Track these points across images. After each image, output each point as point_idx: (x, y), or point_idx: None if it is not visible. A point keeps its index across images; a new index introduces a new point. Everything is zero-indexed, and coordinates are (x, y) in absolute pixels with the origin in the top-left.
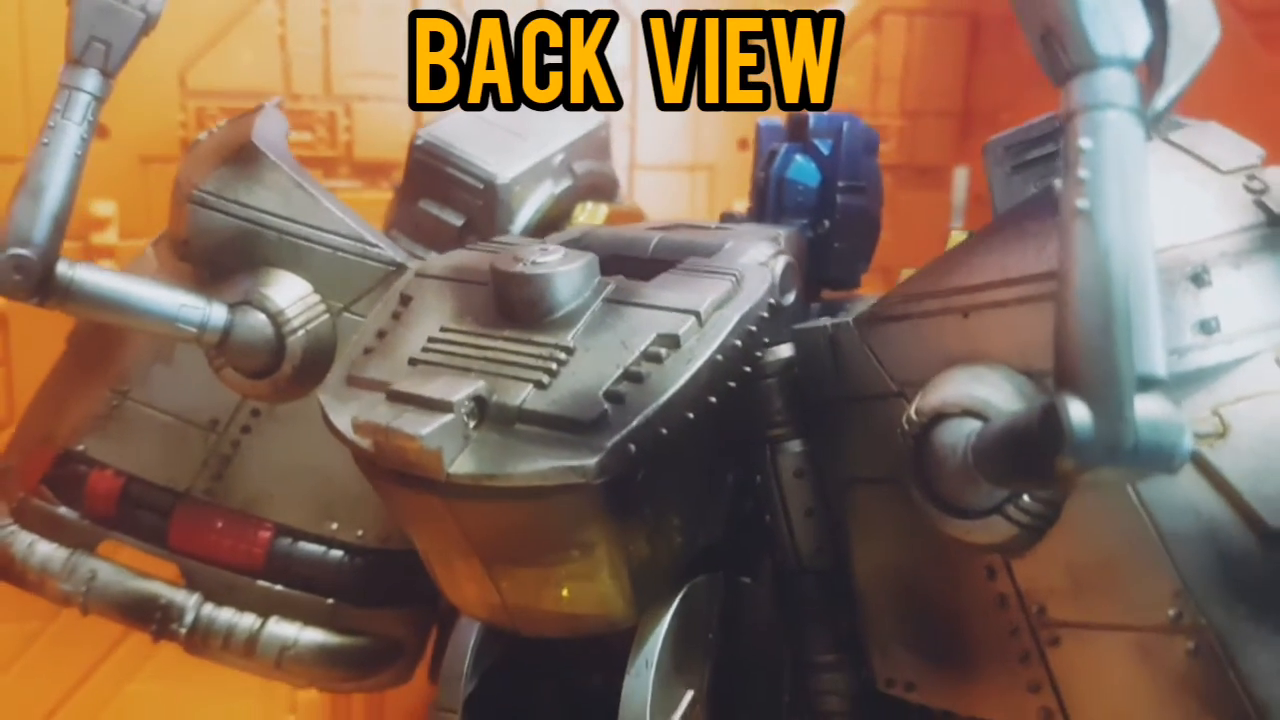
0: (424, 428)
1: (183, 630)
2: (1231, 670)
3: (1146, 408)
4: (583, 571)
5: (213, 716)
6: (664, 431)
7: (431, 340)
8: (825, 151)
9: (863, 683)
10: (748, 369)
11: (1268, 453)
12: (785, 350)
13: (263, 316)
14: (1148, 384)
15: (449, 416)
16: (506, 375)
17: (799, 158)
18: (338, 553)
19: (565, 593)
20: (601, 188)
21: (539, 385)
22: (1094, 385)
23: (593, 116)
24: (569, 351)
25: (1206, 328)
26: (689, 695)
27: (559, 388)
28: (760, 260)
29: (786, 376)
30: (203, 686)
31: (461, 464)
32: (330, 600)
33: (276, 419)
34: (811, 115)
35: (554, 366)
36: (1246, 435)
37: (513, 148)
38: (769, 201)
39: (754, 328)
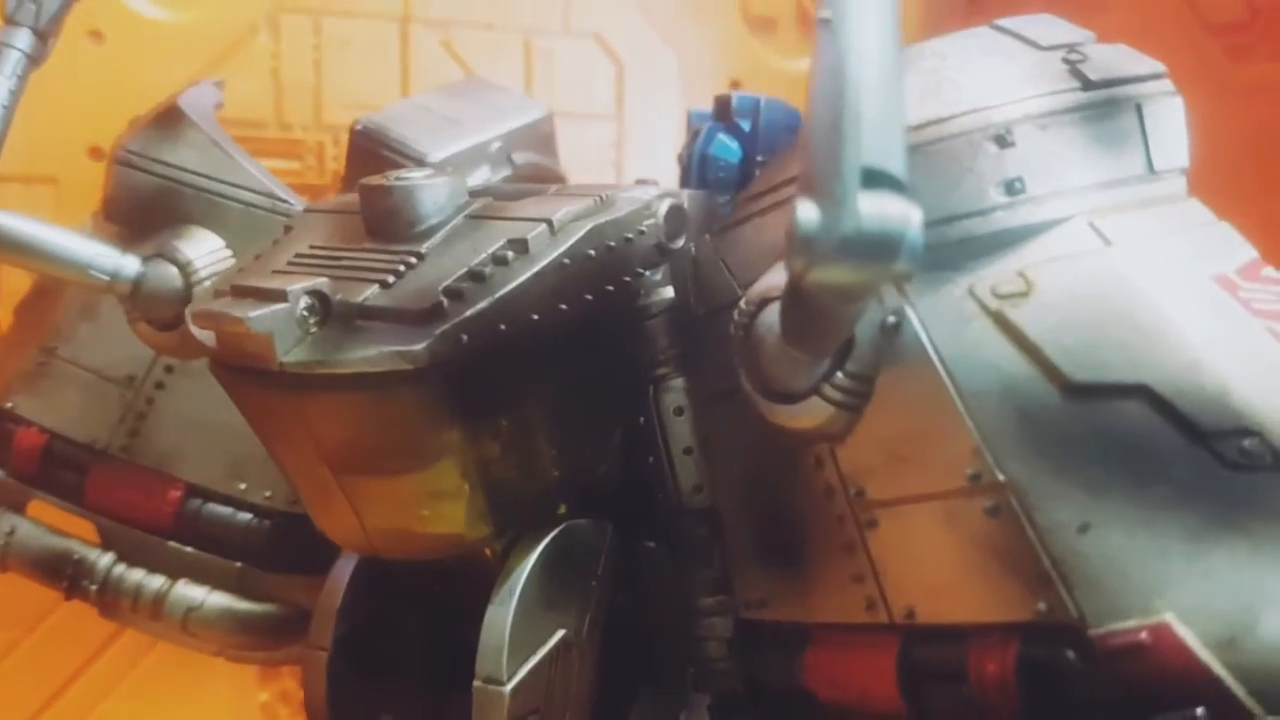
0: (254, 312)
1: (93, 588)
2: (1029, 526)
3: (871, 199)
4: (436, 485)
5: None
6: (502, 327)
7: (298, 255)
8: (746, 129)
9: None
10: (610, 288)
11: (1072, 308)
12: (668, 291)
13: (173, 268)
14: (878, 179)
15: (281, 305)
16: (354, 278)
17: (721, 135)
18: (246, 515)
19: (425, 512)
20: (545, 182)
21: (383, 285)
22: (820, 180)
23: (534, 107)
24: (420, 257)
25: (1011, 189)
26: (559, 634)
27: (402, 287)
28: (642, 196)
29: (670, 317)
30: (176, 706)
31: (294, 354)
32: (238, 564)
33: (188, 375)
34: (735, 95)
35: (401, 269)
36: (1050, 292)
37: (448, 132)
38: (692, 177)
39: (613, 244)
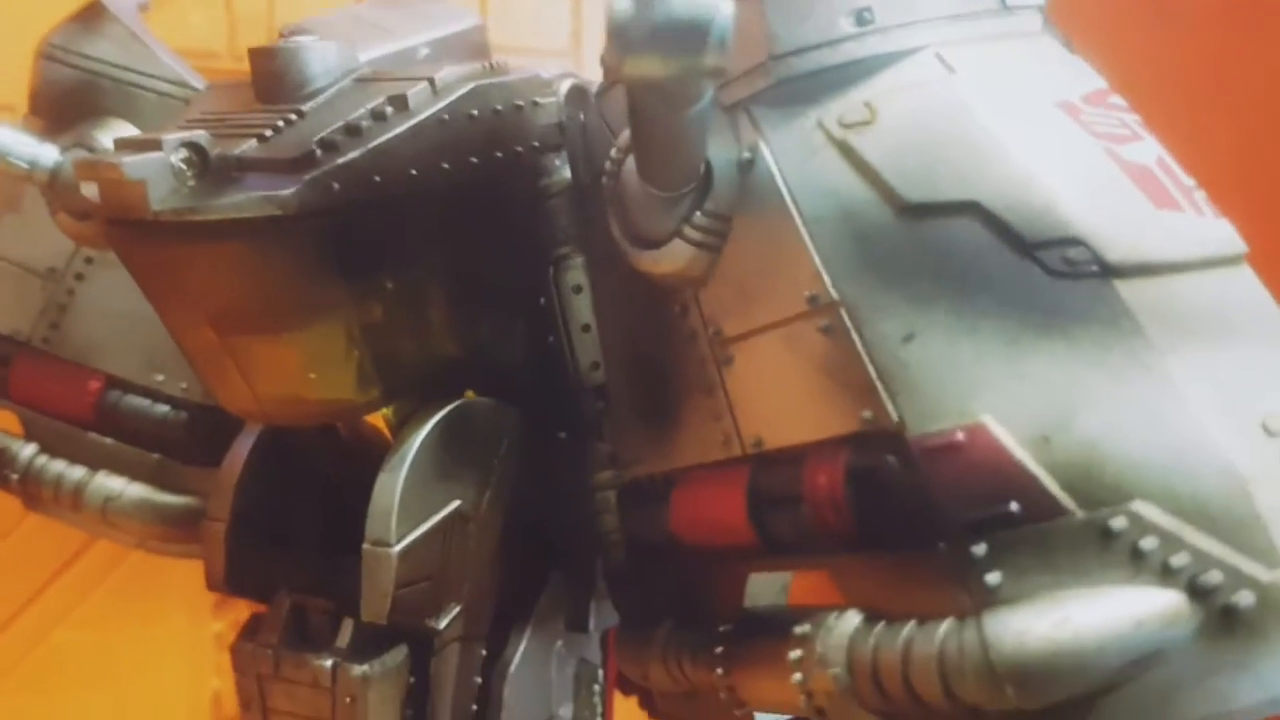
0: (128, 158)
1: (15, 477)
2: (858, 339)
3: None
4: (321, 347)
5: (137, 669)
6: (377, 179)
7: (186, 120)
8: None
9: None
10: (499, 154)
11: (910, 133)
12: (568, 172)
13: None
14: None
15: (156, 153)
16: (235, 135)
17: None
18: (163, 407)
19: (313, 376)
20: None
21: (260, 139)
22: None
23: (467, 16)
24: (300, 114)
25: (860, 19)
26: (454, 504)
27: (279, 140)
28: (538, 70)
29: (570, 196)
30: (130, 635)
31: (168, 202)
32: (156, 456)
33: (107, 265)
34: None
35: (280, 124)
36: (892, 119)
37: (375, 37)
38: None
39: (500, 108)
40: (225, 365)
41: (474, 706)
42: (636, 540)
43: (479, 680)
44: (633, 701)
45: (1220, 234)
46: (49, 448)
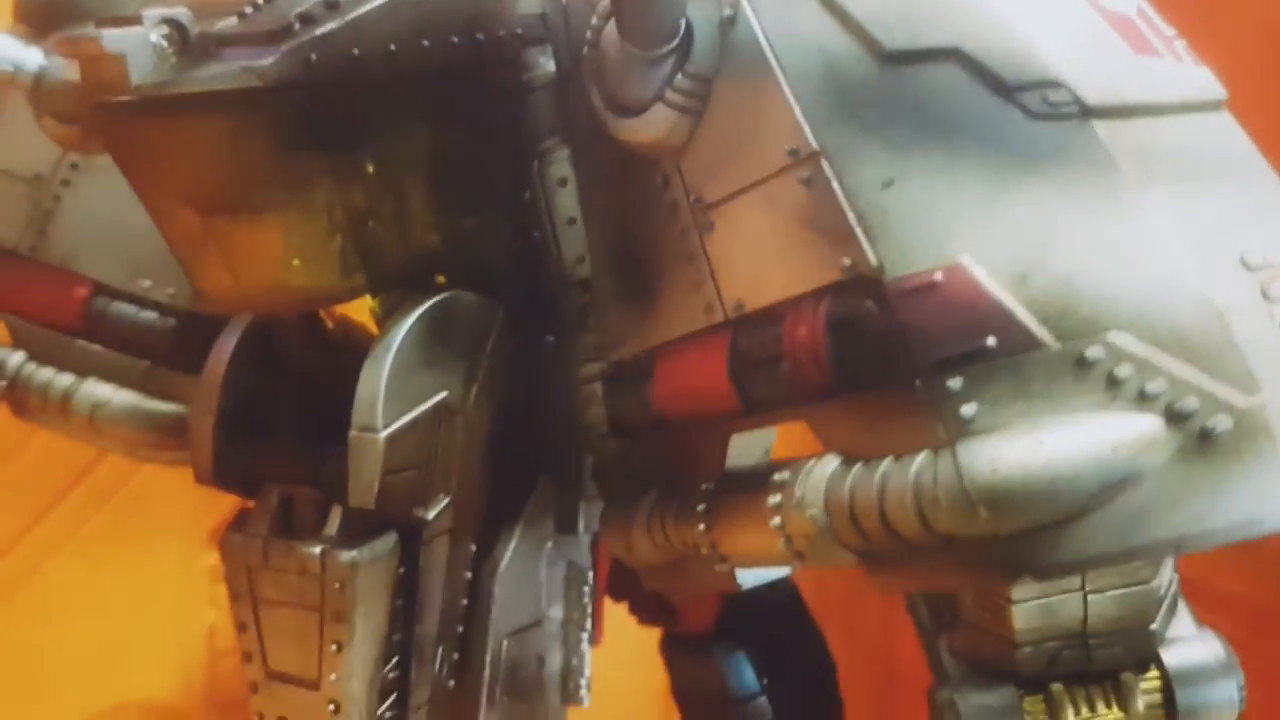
0: (108, 31)
1: (3, 384)
2: (839, 187)
3: None
4: (303, 231)
5: (131, 602)
6: (355, 52)
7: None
8: None
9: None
10: (480, 37)
11: None
12: (553, 64)
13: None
14: None
15: (136, 28)
16: (217, 14)
17: None
18: (150, 313)
19: (295, 262)
20: None
21: (241, 15)
22: None
23: None
24: None
25: None
26: (441, 395)
27: (258, 16)
28: None
29: (555, 89)
30: (122, 569)
31: (147, 77)
32: (145, 363)
33: (93, 171)
34: None
35: (261, 2)
36: None
37: None
38: None
39: None
40: (208, 251)
41: (464, 601)
42: (621, 424)
43: (469, 575)
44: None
45: (1199, 80)
46: (36, 355)
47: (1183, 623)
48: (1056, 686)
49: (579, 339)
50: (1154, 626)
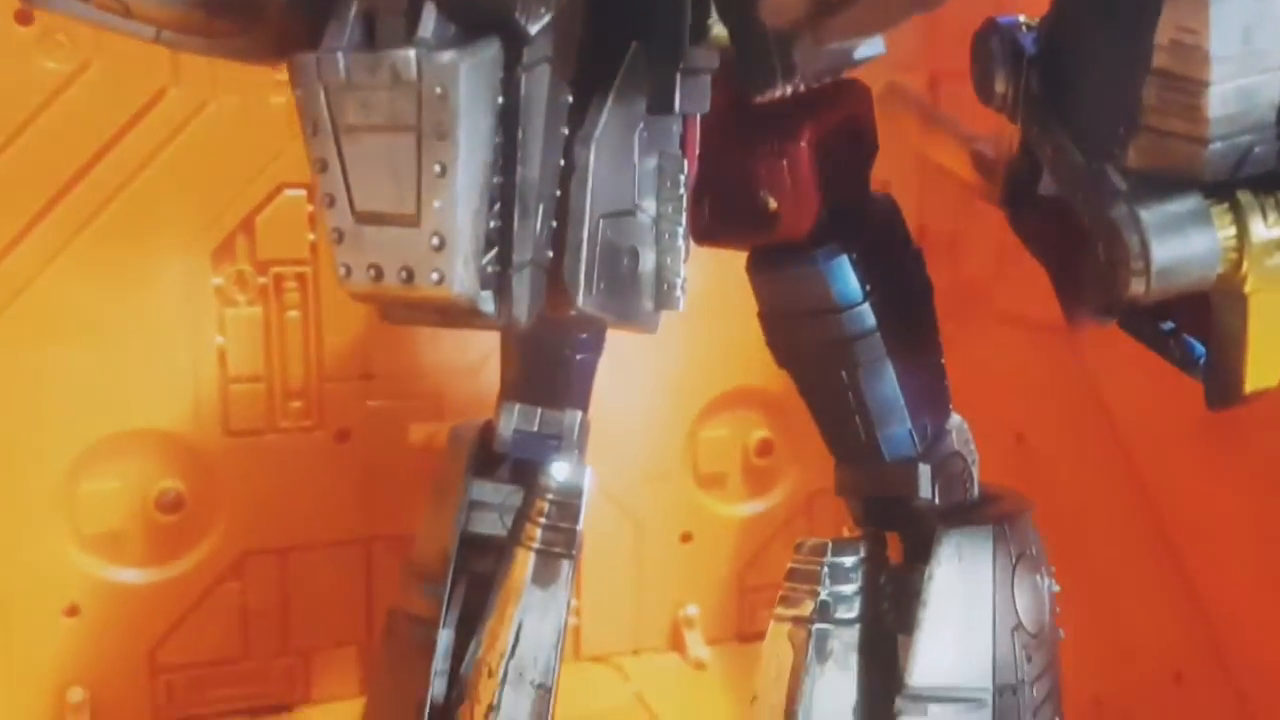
0: None
1: None
2: None
3: None
4: None
5: (131, 324)
6: None
7: None
8: None
9: None
10: None
11: None
12: None
13: None
14: None
15: None
16: None
17: None
18: None
19: None
20: None
21: None
22: None
23: None
24: None
25: None
26: None
27: None
28: None
29: None
30: (123, 283)
31: None
32: None
33: None
34: None
35: None
36: None
37: None
38: None
39: None
40: None
41: (561, 161)
42: None
43: (565, 132)
44: None
45: None
46: None
47: None
48: (1244, 193)
49: None
50: None
